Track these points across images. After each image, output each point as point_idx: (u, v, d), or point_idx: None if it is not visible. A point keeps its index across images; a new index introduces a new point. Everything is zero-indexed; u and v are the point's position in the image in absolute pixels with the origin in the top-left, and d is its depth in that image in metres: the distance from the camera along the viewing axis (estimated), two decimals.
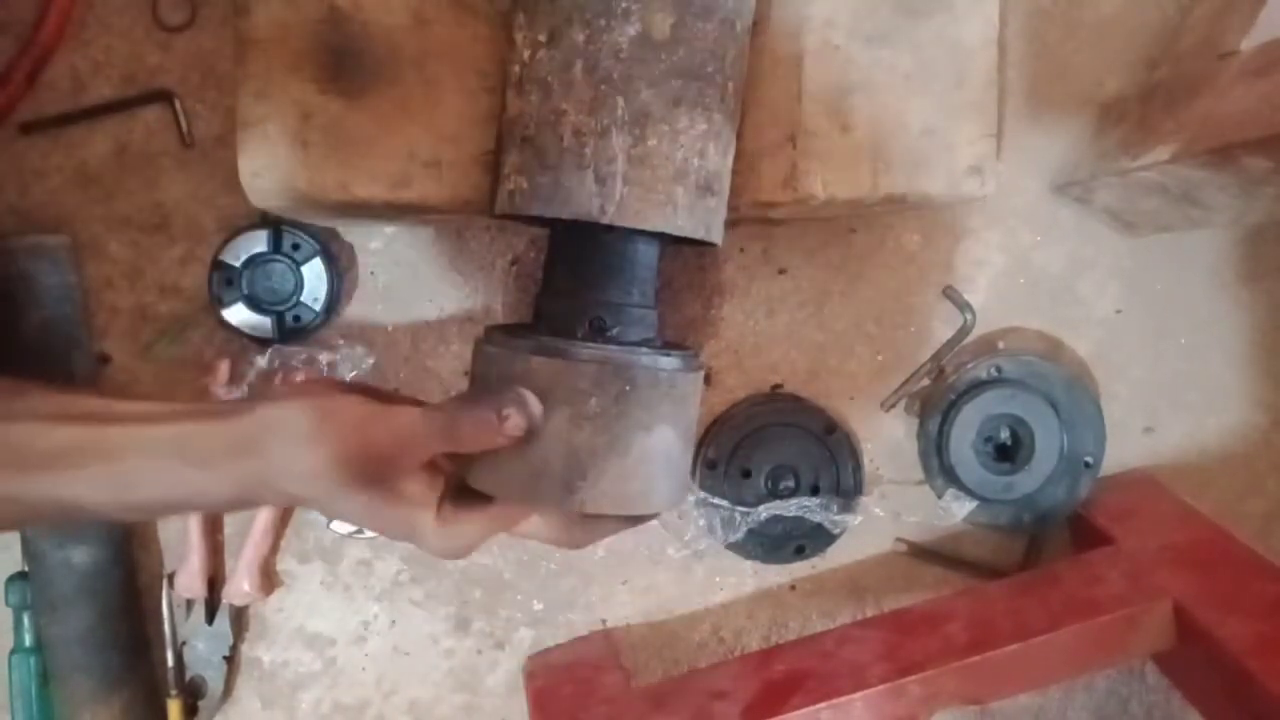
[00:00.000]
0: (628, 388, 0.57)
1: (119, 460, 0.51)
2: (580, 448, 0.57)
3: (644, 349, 0.60)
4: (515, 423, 0.55)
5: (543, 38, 0.59)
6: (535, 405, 0.56)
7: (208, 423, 0.53)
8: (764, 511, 0.84)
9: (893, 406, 0.88)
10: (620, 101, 0.57)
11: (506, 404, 0.56)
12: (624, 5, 0.56)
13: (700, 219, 0.60)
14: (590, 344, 0.58)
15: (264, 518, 0.83)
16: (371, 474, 0.53)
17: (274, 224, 0.78)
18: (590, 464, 0.57)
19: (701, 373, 0.63)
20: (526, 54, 0.60)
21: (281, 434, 0.52)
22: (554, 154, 0.58)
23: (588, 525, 0.62)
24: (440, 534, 0.57)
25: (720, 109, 0.60)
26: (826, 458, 0.86)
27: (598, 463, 0.57)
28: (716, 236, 0.63)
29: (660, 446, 0.59)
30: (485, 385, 0.60)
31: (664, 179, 0.58)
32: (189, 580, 0.83)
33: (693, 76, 0.58)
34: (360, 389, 0.57)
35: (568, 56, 0.58)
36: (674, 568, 0.88)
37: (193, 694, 0.84)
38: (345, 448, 0.52)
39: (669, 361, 0.60)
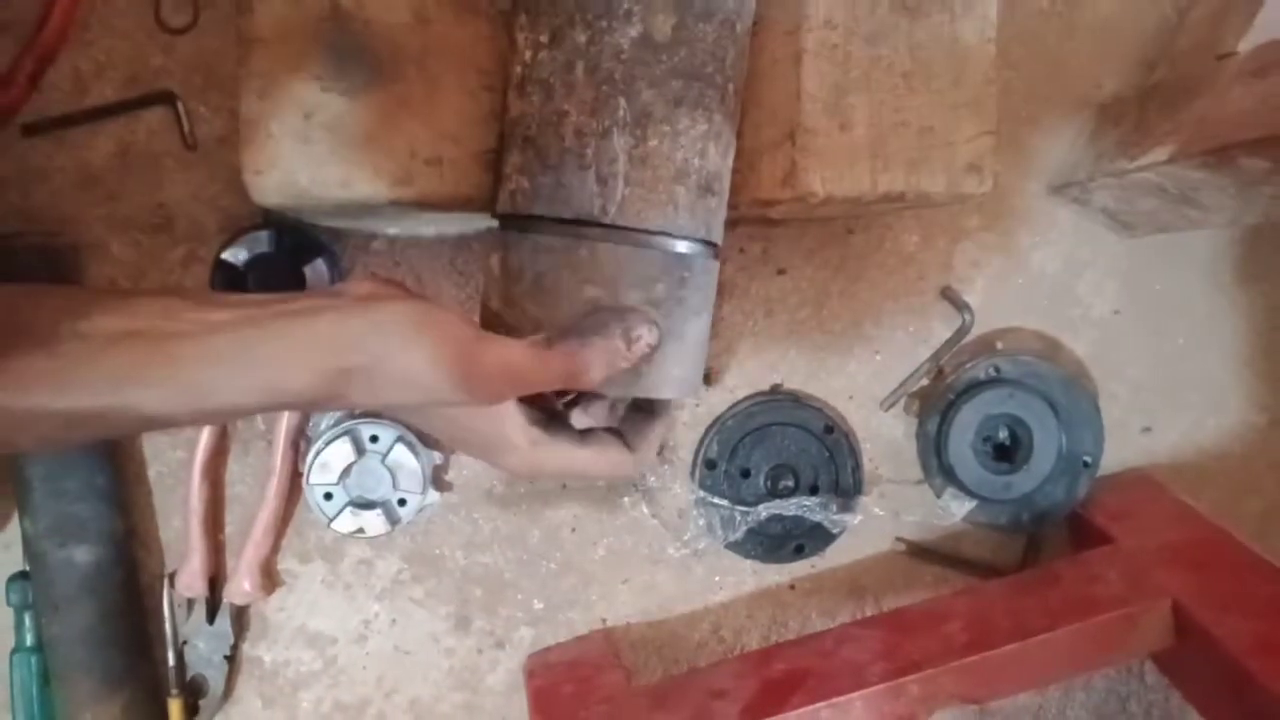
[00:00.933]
0: (686, 274, 0.60)
1: (189, 372, 0.48)
2: None
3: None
4: (647, 340, 0.56)
5: (544, 39, 0.59)
6: (659, 316, 0.57)
7: (288, 322, 0.50)
8: (764, 511, 0.85)
9: (892, 406, 0.88)
10: (622, 102, 0.57)
11: (636, 325, 0.56)
12: (625, 6, 0.57)
13: (701, 219, 0.61)
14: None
15: (265, 517, 0.83)
16: (470, 390, 0.51)
17: (276, 225, 0.79)
18: (656, 350, 0.59)
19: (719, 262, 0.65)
20: (528, 55, 0.60)
21: (380, 333, 0.50)
22: (555, 154, 0.59)
23: (649, 439, 0.64)
24: (525, 453, 0.57)
25: (720, 110, 0.60)
26: (826, 457, 0.86)
27: (661, 348, 0.59)
28: (717, 237, 0.63)
29: (703, 333, 0.62)
30: (536, 281, 0.59)
31: (665, 179, 0.59)
32: (190, 579, 0.83)
33: (693, 77, 0.58)
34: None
35: (569, 57, 0.58)
36: (674, 567, 0.88)
37: (194, 693, 0.84)
38: (449, 362, 0.50)
39: (709, 250, 0.62)
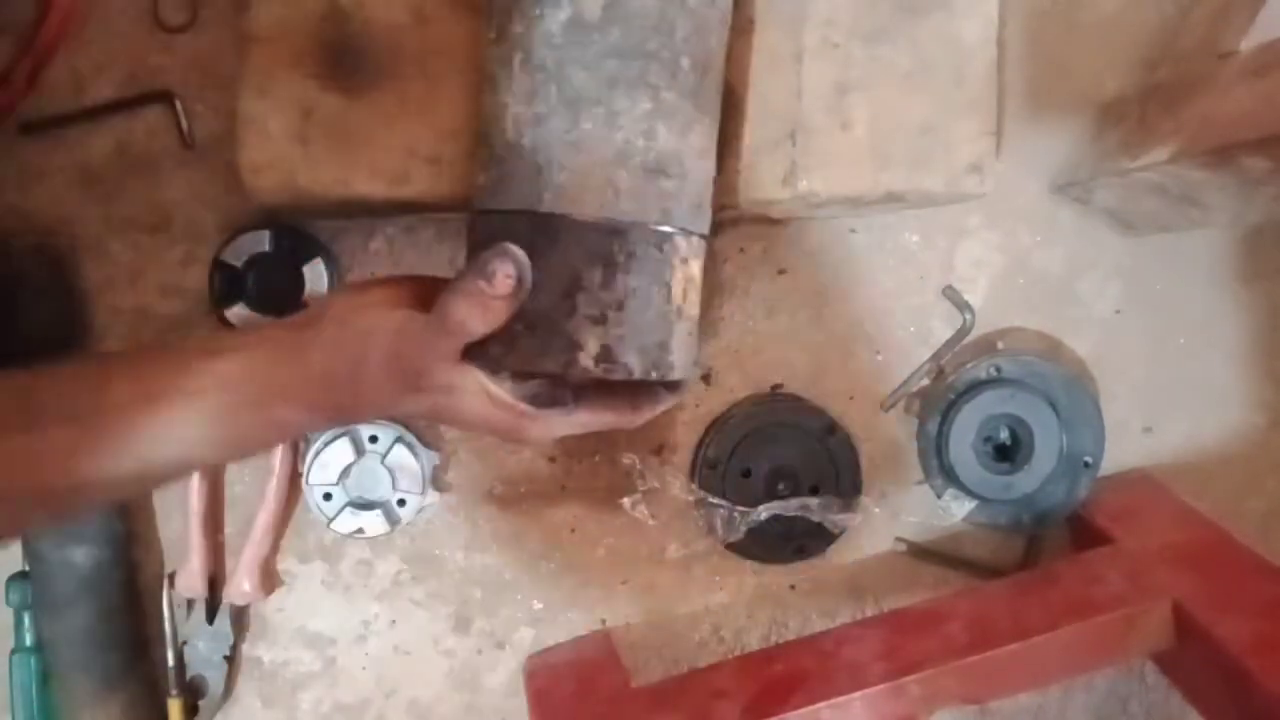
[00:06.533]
0: (624, 257, 0.59)
1: (211, 428, 0.53)
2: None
3: None
4: (503, 276, 0.55)
5: (492, 35, 0.60)
6: (519, 252, 0.56)
7: (287, 369, 0.55)
8: (764, 511, 0.84)
9: (892, 406, 0.88)
10: (554, 89, 0.57)
11: (488, 261, 0.55)
12: None
13: (652, 203, 0.59)
14: None
15: (264, 517, 0.83)
16: (411, 382, 0.56)
17: (275, 224, 0.79)
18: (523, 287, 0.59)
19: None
20: (485, 52, 0.61)
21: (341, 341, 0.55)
22: (501, 147, 0.59)
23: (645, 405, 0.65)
24: (534, 420, 0.60)
25: (672, 87, 0.58)
26: (826, 458, 0.86)
27: (614, 330, 0.60)
28: (683, 221, 0.61)
29: (656, 315, 0.62)
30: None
31: (601, 163, 0.57)
32: (190, 580, 0.83)
33: (632, 55, 0.57)
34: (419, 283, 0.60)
35: (509, 50, 0.58)
36: (674, 568, 0.88)
37: (193, 693, 0.84)
38: (383, 358, 0.55)
39: (653, 231, 0.61)
